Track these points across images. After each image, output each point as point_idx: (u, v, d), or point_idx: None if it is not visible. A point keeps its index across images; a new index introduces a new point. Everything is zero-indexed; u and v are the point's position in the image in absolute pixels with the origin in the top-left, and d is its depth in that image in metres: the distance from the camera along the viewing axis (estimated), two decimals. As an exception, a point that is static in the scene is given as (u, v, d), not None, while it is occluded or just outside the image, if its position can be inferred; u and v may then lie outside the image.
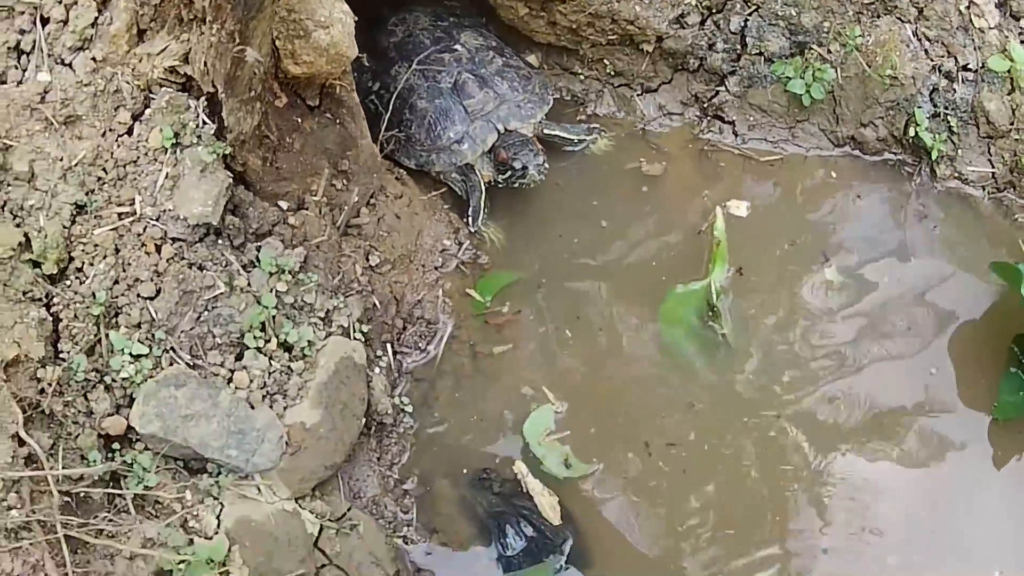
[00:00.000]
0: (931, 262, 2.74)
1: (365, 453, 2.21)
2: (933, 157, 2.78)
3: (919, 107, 2.75)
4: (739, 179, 2.82)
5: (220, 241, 2.14)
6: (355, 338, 2.20)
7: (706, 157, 2.83)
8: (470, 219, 2.65)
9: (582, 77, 2.95)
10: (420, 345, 2.42)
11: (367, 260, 2.35)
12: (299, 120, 2.29)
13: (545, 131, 2.83)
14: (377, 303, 2.32)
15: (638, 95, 2.90)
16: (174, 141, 2.09)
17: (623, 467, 2.39)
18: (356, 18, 2.23)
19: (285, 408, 2.07)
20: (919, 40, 2.75)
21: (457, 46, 2.87)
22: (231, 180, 2.12)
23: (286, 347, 2.11)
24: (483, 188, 2.68)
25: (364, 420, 2.15)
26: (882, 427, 2.49)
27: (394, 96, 2.72)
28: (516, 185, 2.68)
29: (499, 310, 2.58)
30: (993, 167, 2.80)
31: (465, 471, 2.33)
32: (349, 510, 2.10)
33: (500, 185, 2.71)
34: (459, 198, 2.74)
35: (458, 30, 2.93)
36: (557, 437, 2.40)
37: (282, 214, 2.25)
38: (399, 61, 2.83)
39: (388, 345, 2.34)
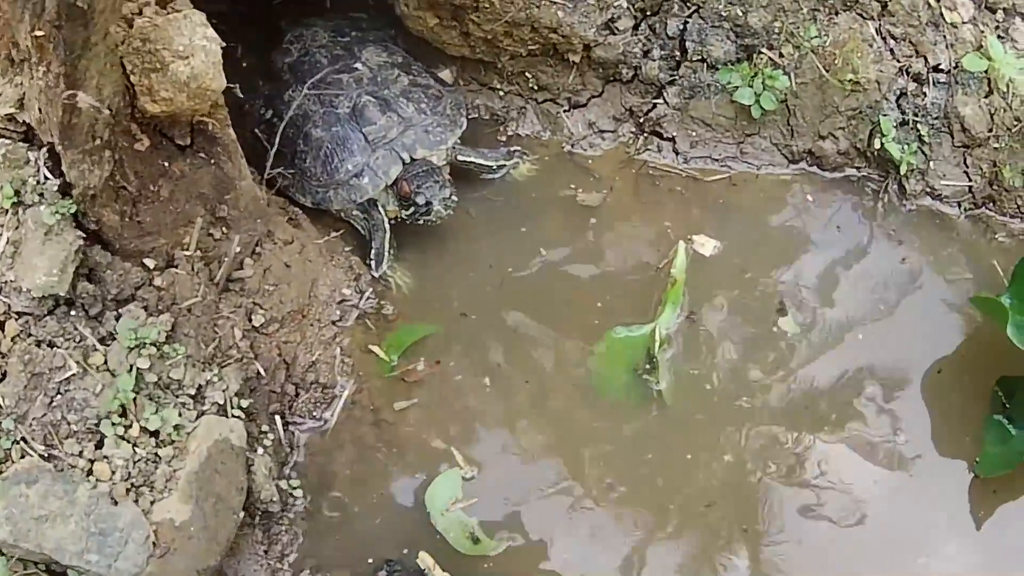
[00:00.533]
0: (901, 297, 2.49)
1: (250, 545, 2.02)
2: (902, 171, 2.56)
3: (885, 115, 2.54)
4: (686, 205, 2.57)
5: (73, 312, 1.94)
6: (233, 415, 1.99)
7: (646, 180, 2.58)
8: (373, 263, 2.43)
9: (502, 93, 2.70)
10: (315, 414, 2.20)
11: (249, 320, 2.13)
12: (166, 164, 2.06)
13: (459, 157, 2.60)
14: (261, 370, 2.09)
15: (565, 111, 2.65)
16: (15, 200, 1.88)
17: (540, 542, 2.15)
18: (223, 44, 1.96)
19: (152, 503, 1.88)
20: (883, 39, 2.53)
21: (358, 64, 2.64)
22: (82, 241, 1.92)
23: (152, 432, 1.88)
24: (387, 227, 2.46)
25: (242, 514, 1.93)
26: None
27: (283, 125, 2.44)
28: (421, 222, 2.43)
29: (414, 366, 2.31)
30: (970, 180, 2.58)
31: (370, 560, 2.08)
32: None
33: (407, 222, 2.46)
34: (364, 238, 2.49)
35: (360, 46, 2.70)
36: (464, 506, 2.16)
37: (147, 275, 2.03)
38: (294, 84, 2.57)
39: (277, 417, 2.12)
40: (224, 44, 2.00)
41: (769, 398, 2.35)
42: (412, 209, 2.47)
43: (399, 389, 2.28)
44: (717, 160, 2.58)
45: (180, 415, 1.95)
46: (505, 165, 2.62)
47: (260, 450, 2.03)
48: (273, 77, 2.63)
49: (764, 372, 2.38)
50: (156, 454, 1.91)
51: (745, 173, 2.57)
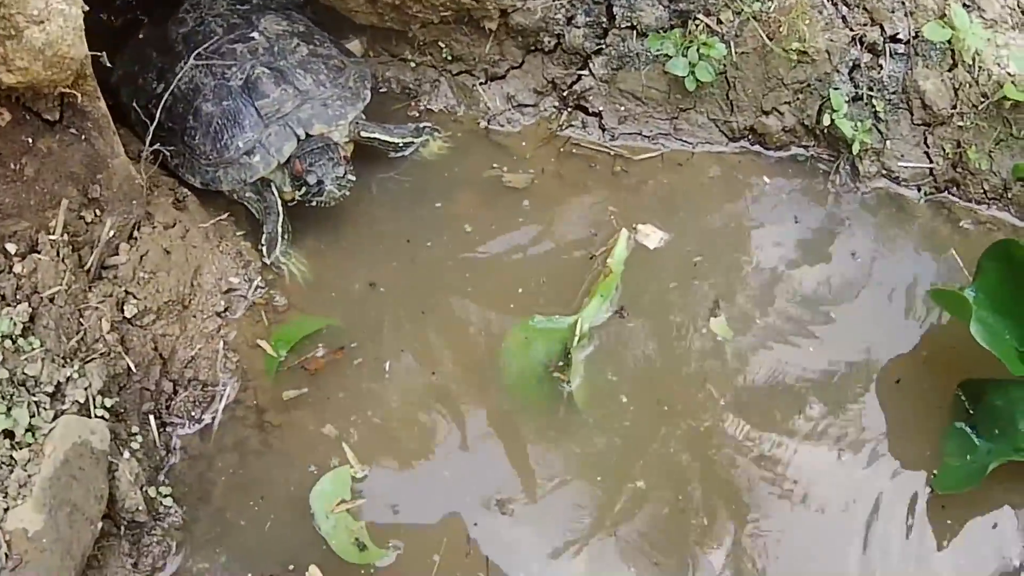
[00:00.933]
0: (853, 293, 2.28)
1: (117, 558, 1.87)
2: (855, 151, 2.39)
3: (836, 88, 2.39)
4: (624, 189, 2.38)
5: (-83, 303, 1.76)
6: (96, 415, 1.83)
7: (572, 160, 2.40)
8: (265, 248, 2.28)
9: (413, 65, 2.54)
10: (194, 414, 2.05)
11: (121, 311, 1.98)
12: (31, 140, 1.92)
13: (362, 134, 2.43)
14: (132, 366, 1.96)
15: (481, 84, 2.48)
16: None
17: (431, 552, 1.96)
18: (86, 8, 1.79)
19: (6, 510, 1.72)
20: (834, 5, 2.39)
21: (254, 34, 2.45)
22: (-71, 226, 1.74)
23: (7, 433, 1.73)
24: (280, 210, 2.30)
25: (100, 524, 1.77)
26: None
27: (167, 97, 2.26)
28: (314, 203, 2.35)
29: (313, 354, 2.14)
30: (931, 161, 2.41)
31: (252, 573, 1.93)
32: None
33: (306, 203, 2.30)
34: (258, 221, 2.33)
35: (259, 15, 2.54)
36: (351, 507, 1.98)
37: (6, 261, 1.88)
38: (186, 56, 2.36)
39: (151, 417, 1.98)
40: (88, 8, 1.85)
41: (691, 413, 2.11)
42: (304, 189, 2.31)
43: (288, 385, 2.10)
44: (648, 137, 2.42)
45: (35, 415, 1.81)
46: (413, 142, 2.47)
47: (126, 454, 1.89)
48: (167, 49, 2.44)
49: (688, 382, 2.14)
50: (11, 456, 1.77)
51: (679, 152, 2.41)
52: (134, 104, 2.38)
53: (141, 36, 2.55)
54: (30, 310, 1.89)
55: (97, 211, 2.04)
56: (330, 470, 2.03)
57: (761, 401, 2.14)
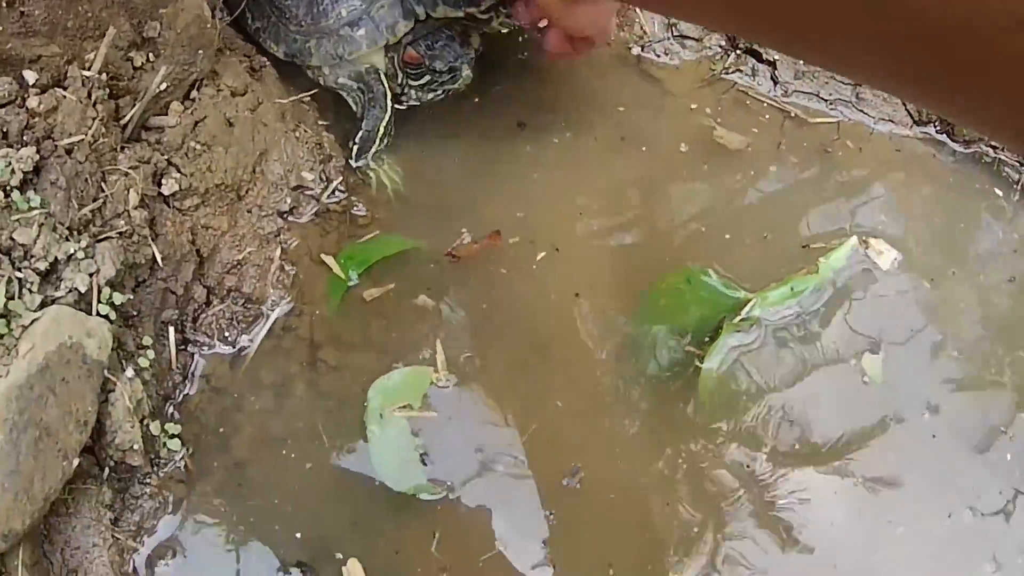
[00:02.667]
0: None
1: (92, 509, 1.20)
2: None
3: None
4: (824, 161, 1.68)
5: None
6: (99, 313, 1.17)
7: (734, 108, 1.69)
8: (356, 147, 1.56)
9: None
10: (228, 335, 1.35)
11: (157, 185, 1.31)
12: None
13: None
14: (159, 257, 1.28)
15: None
16: None
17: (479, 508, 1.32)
18: None
19: None
20: None
21: None
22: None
23: None
24: (388, 104, 1.58)
25: (77, 460, 1.12)
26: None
27: None
28: (440, 95, 1.59)
29: (460, 241, 1.50)
30: None
31: (273, 555, 1.25)
32: None
33: (409, 101, 1.61)
34: (348, 112, 1.61)
35: None
36: (414, 415, 1.34)
37: (19, 91, 1.21)
38: None
39: (171, 329, 1.31)
40: None
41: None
42: (427, 78, 1.59)
43: (354, 317, 1.43)
44: (826, 101, 1.71)
45: (15, 298, 1.16)
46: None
47: (130, 371, 1.22)
48: None
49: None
50: None
51: (857, 125, 1.70)
52: None
53: None
54: (37, 157, 1.25)
55: (151, 54, 1.37)
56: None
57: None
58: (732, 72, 1.74)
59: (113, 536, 1.25)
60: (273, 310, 1.38)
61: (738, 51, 1.78)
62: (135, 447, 1.21)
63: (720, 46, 1.75)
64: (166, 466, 1.26)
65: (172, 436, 1.26)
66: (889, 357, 1.55)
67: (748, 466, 1.45)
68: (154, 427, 1.24)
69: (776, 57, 1.76)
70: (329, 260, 1.43)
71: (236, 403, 1.34)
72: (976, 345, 1.61)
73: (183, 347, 1.33)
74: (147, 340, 1.29)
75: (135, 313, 1.28)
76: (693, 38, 1.79)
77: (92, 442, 1.20)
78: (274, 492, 1.32)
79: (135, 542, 1.26)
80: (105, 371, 1.20)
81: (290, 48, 1.58)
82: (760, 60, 1.77)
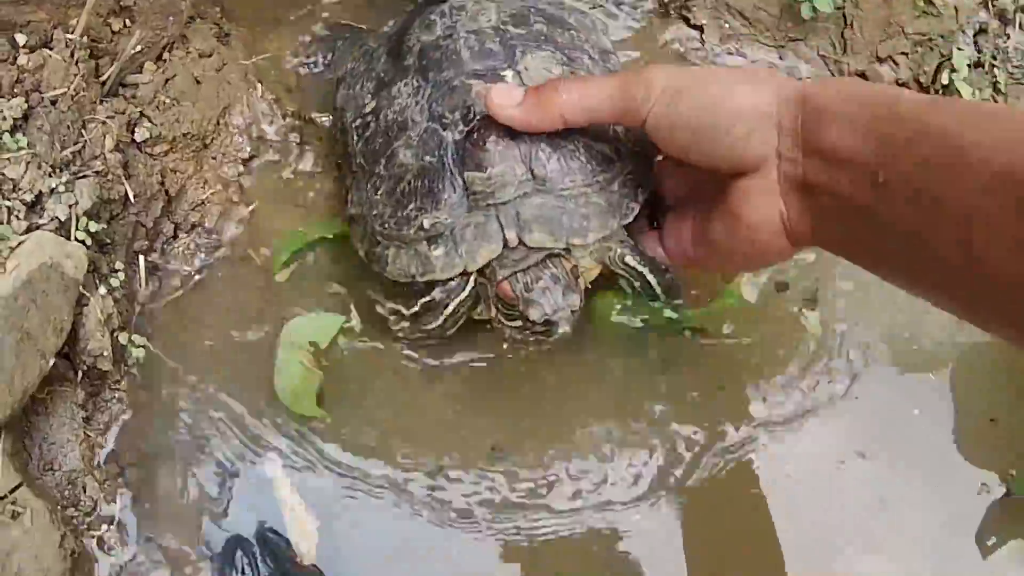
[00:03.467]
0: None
1: (67, 407, 1.43)
2: None
3: (959, 49, 1.85)
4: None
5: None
6: (77, 239, 1.38)
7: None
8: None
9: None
10: (191, 263, 1.58)
11: (131, 132, 1.51)
12: None
13: (625, 260, 1.45)
14: (131, 194, 1.49)
15: (577, -32, 1.96)
16: None
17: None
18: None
19: None
20: None
21: (507, 73, 1.43)
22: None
23: None
24: (442, 324, 1.49)
25: (53, 361, 1.33)
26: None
27: (367, 122, 1.52)
28: (531, 341, 1.44)
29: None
30: None
31: (205, 454, 1.47)
32: (18, 488, 1.29)
33: (517, 339, 1.46)
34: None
35: (529, 47, 1.47)
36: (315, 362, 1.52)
37: (11, 51, 1.43)
38: (414, 74, 1.49)
39: (140, 256, 1.52)
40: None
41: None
42: (519, 323, 1.39)
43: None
44: (753, 62, 1.85)
45: (4, 223, 1.38)
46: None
47: (103, 290, 1.44)
48: (398, 56, 1.57)
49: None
50: None
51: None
52: (344, 111, 1.58)
53: (392, 23, 1.69)
54: (25, 106, 1.45)
55: (127, 20, 1.58)
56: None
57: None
58: (668, 33, 1.88)
59: (85, 433, 1.48)
60: (232, 243, 1.60)
61: (671, 15, 1.93)
62: (105, 354, 1.43)
63: (654, 8, 1.89)
64: (132, 372, 1.49)
65: (138, 346, 1.48)
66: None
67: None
68: (122, 338, 1.46)
69: (704, 22, 1.90)
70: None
71: (196, 319, 1.56)
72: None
73: (152, 272, 1.56)
74: (119, 265, 1.51)
75: (109, 241, 1.50)
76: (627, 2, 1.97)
77: (68, 349, 1.42)
78: (225, 397, 1.52)
79: (103, 439, 1.49)
80: (80, 288, 1.42)
81: (366, 249, 1.49)
82: (689, 24, 1.90)
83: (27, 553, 1.35)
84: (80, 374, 1.45)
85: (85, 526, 1.42)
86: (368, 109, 1.55)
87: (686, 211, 1.37)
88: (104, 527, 1.41)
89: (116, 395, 1.47)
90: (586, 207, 1.36)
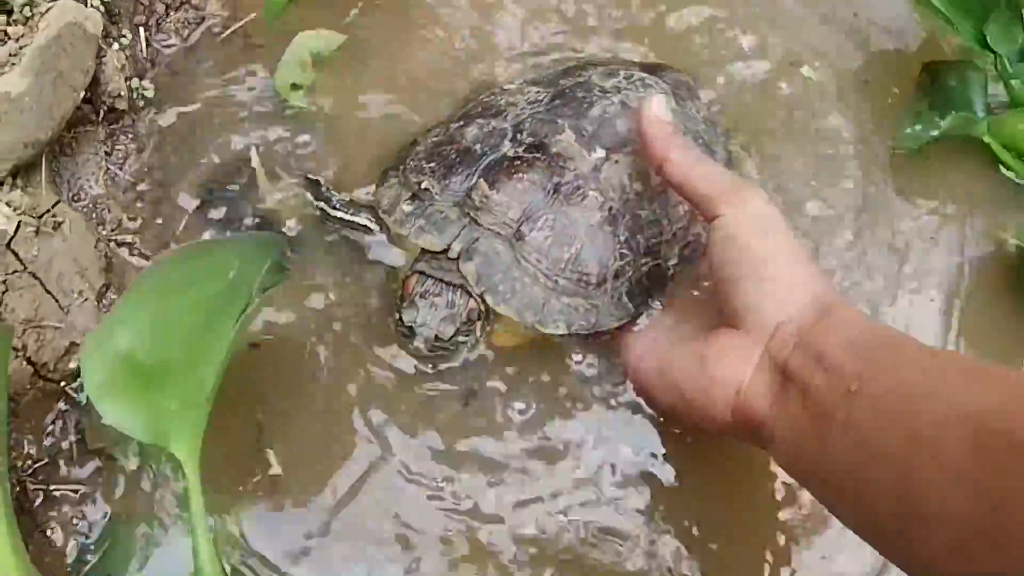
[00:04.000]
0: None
1: (91, 145, 1.81)
2: None
3: None
4: None
5: None
6: (92, 6, 1.75)
7: None
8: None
9: None
10: (182, 34, 1.95)
11: None
12: None
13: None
14: (130, -25, 1.83)
15: None
16: None
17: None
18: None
19: None
20: None
21: (587, 192, 1.44)
22: None
23: (3, 9, 1.68)
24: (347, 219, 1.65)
25: (83, 93, 1.70)
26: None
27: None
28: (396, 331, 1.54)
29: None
30: None
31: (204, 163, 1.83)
32: (56, 205, 1.65)
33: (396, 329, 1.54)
34: None
35: (617, 159, 1.46)
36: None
37: None
38: (549, 95, 1.56)
39: (140, 29, 1.89)
40: None
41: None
42: (396, 315, 1.48)
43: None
44: None
45: None
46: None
47: (116, 45, 1.83)
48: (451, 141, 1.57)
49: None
50: (4, 31, 1.70)
51: None
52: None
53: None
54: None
55: None
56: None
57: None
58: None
59: (107, 165, 1.85)
60: (216, 17, 1.96)
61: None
62: (122, 94, 1.80)
63: None
64: (141, 118, 1.87)
65: (147, 89, 1.86)
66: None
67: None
68: (134, 83, 1.84)
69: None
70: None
71: (191, 80, 1.92)
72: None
73: (149, 43, 1.92)
74: (125, 32, 1.87)
75: (116, 12, 1.85)
76: None
77: (90, 94, 1.78)
78: (219, 128, 1.88)
79: (121, 170, 1.87)
80: (99, 41, 1.77)
81: (390, 166, 1.64)
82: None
83: (67, 257, 1.73)
84: (101, 115, 1.83)
85: (114, 240, 1.81)
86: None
87: (672, 330, 1.41)
88: (130, 237, 1.81)
89: (130, 136, 1.85)
90: (524, 287, 1.42)
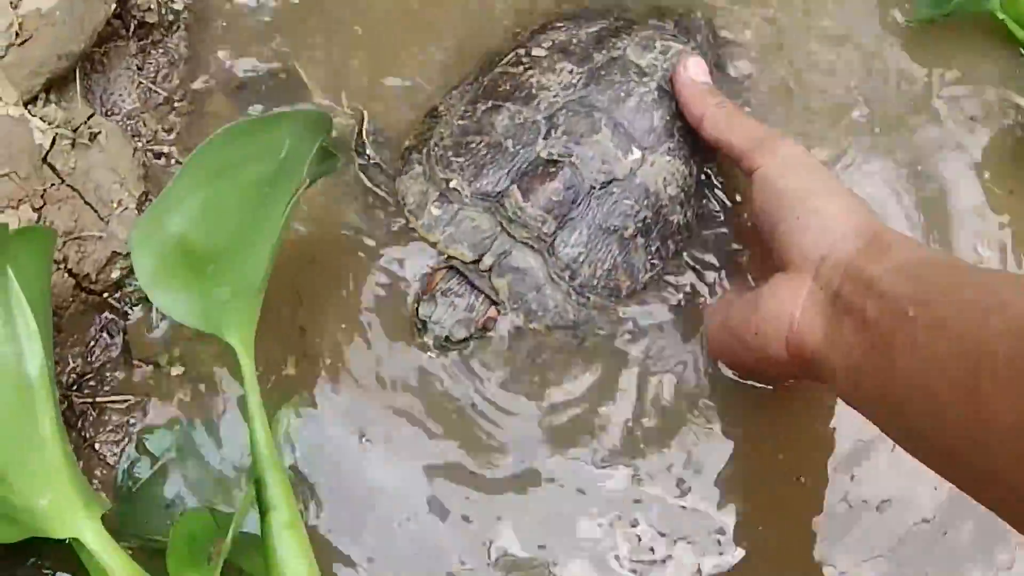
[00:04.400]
0: None
1: (123, 60, 1.82)
2: None
3: None
4: None
5: None
6: None
7: None
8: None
9: None
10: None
11: None
12: None
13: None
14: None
15: None
16: None
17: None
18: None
19: None
20: None
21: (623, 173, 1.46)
22: None
23: None
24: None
25: (114, 6, 1.70)
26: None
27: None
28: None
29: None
30: None
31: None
32: (91, 117, 1.68)
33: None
34: None
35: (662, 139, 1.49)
36: None
37: None
38: (586, 76, 1.52)
39: None
40: None
41: None
42: (414, 304, 1.51)
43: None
44: None
45: None
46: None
47: None
48: (597, 46, 1.54)
49: None
50: None
51: None
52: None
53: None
54: None
55: None
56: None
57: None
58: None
59: (139, 80, 1.87)
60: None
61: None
62: (151, 7, 1.81)
63: None
64: (173, 35, 1.88)
65: (175, 4, 1.87)
66: None
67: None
68: None
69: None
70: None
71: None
72: None
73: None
74: (149, -50, 1.88)
75: None
76: None
77: (120, 9, 1.79)
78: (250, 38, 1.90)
79: (154, 84, 1.88)
80: (126, -44, 1.79)
81: (408, 145, 1.63)
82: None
83: (104, 168, 1.74)
84: (131, 29, 1.84)
85: (151, 151, 1.82)
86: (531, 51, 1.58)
87: (740, 293, 1.43)
88: (166, 148, 1.82)
89: (162, 51, 1.86)
90: (556, 305, 1.46)
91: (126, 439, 1.67)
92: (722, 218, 1.64)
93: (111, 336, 1.71)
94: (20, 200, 1.66)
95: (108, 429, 1.68)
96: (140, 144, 1.79)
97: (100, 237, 1.66)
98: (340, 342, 1.67)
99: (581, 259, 1.44)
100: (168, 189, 1.38)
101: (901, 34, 1.90)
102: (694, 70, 1.45)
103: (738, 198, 1.65)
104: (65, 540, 1.23)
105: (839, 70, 1.86)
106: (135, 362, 1.68)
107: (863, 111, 1.82)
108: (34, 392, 1.26)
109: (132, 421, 1.66)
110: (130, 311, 1.68)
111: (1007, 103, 1.87)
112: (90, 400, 1.68)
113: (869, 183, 1.76)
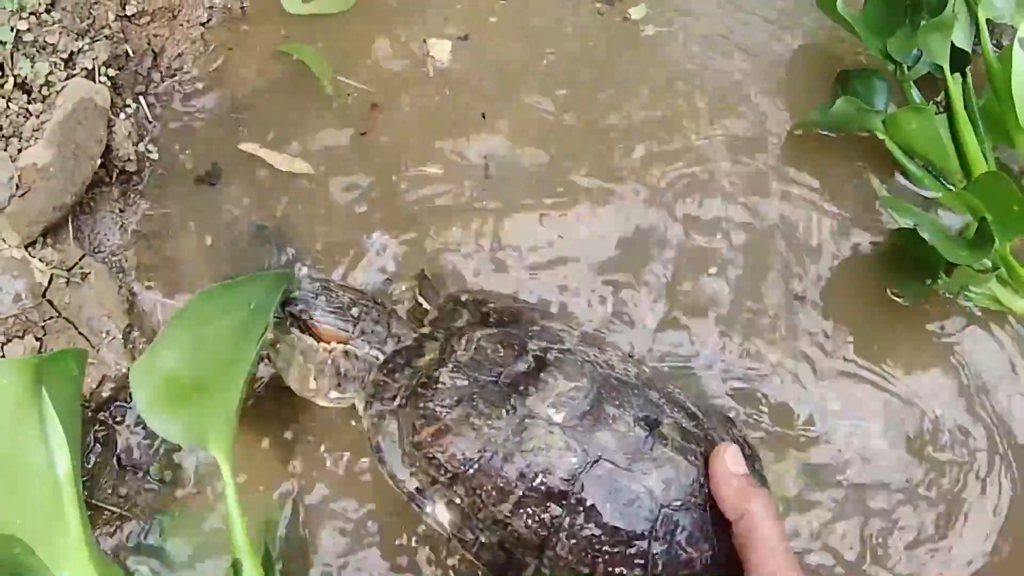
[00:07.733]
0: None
1: (107, 203, 2.21)
2: None
3: None
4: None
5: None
6: (100, 82, 2.18)
7: None
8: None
9: None
10: (180, 95, 2.38)
11: (123, 8, 2.30)
12: None
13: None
14: (130, 51, 2.29)
15: None
16: None
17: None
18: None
19: (19, 151, 2.05)
20: None
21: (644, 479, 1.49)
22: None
23: (24, 89, 2.08)
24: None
25: (100, 161, 2.13)
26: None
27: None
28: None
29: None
30: None
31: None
32: (82, 258, 2.09)
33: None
34: None
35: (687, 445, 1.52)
36: None
37: (35, -43, 2.19)
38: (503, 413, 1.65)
39: (141, 97, 2.32)
40: None
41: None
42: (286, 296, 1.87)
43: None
44: None
45: (51, 73, 2.15)
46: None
47: (122, 115, 2.23)
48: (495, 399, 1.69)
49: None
50: (27, 109, 2.10)
51: None
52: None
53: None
54: (50, -3, 2.25)
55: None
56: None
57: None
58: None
59: (121, 221, 2.27)
60: (204, 80, 2.41)
61: None
62: (131, 158, 2.21)
63: None
64: (147, 176, 2.29)
65: (152, 152, 2.27)
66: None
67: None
68: (141, 147, 2.26)
69: None
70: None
71: (187, 129, 2.36)
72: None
73: (151, 107, 2.35)
74: (129, 102, 2.30)
75: (120, 85, 2.26)
76: None
77: (104, 159, 2.21)
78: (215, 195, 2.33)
79: (137, 225, 2.28)
80: (108, 113, 2.21)
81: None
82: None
83: (94, 303, 2.14)
84: (114, 176, 2.23)
85: (134, 284, 2.23)
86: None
87: None
88: (146, 281, 2.22)
89: (139, 192, 2.27)
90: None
91: (118, 536, 2.09)
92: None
93: (103, 448, 2.13)
94: (25, 331, 2.09)
95: (103, 527, 2.10)
96: (123, 279, 2.19)
97: (92, 363, 2.08)
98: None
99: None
100: (160, 335, 1.77)
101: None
102: (735, 460, 1.47)
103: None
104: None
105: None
106: (125, 468, 2.09)
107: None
108: (61, 488, 1.60)
109: (122, 524, 2.08)
110: (118, 427, 2.11)
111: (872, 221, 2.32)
112: (87, 500, 2.09)
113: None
